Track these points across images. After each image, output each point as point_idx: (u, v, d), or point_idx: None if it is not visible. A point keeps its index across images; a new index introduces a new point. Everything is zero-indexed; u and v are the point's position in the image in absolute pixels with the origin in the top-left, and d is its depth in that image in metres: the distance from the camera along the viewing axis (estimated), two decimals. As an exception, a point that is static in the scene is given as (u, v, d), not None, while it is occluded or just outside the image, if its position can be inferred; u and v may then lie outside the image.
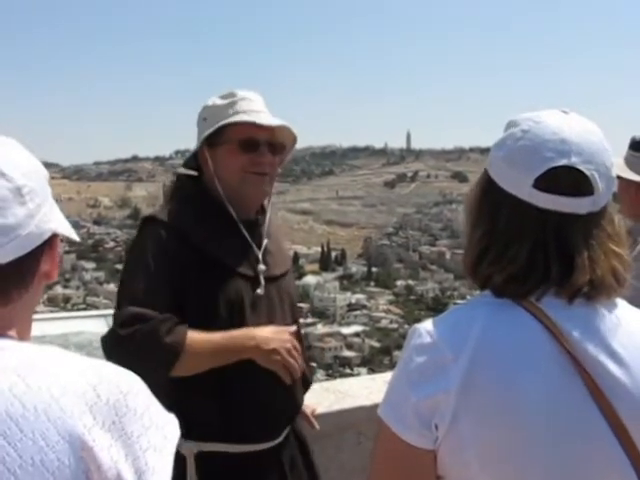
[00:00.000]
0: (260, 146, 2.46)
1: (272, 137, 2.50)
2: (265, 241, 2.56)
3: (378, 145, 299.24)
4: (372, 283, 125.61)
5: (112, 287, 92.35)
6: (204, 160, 2.51)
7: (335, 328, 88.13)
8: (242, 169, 2.45)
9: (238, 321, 2.38)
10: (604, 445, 1.32)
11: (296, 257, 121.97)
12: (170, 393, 2.10)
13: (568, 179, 1.37)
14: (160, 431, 1.16)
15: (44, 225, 1.21)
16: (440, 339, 1.35)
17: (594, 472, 1.33)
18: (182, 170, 2.63)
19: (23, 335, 1.23)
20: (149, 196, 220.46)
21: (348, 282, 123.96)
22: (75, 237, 1.31)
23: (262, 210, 2.64)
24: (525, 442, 1.29)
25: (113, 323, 2.33)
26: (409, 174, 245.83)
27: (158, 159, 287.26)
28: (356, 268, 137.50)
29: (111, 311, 3.65)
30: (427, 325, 1.40)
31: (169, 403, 1.96)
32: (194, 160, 2.57)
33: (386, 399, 1.41)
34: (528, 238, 1.38)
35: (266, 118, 2.47)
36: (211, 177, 2.50)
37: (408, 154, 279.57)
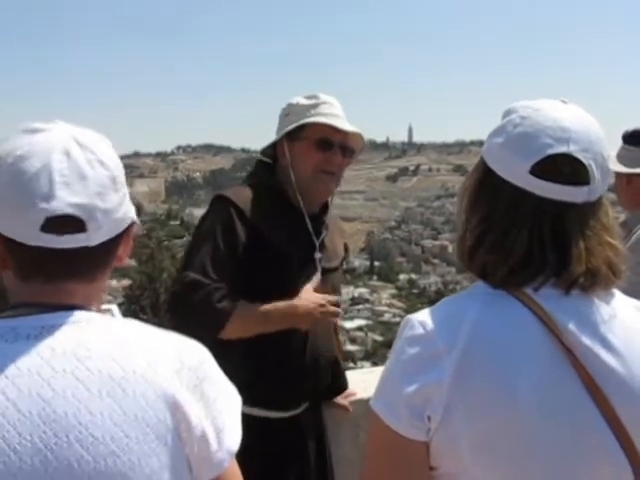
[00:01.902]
0: (334, 147, 2.71)
1: (345, 141, 2.74)
2: (324, 233, 2.80)
3: (380, 139, 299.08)
4: (375, 277, 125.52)
5: (114, 283, 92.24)
6: (282, 151, 2.75)
7: (338, 322, 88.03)
8: (316, 166, 2.70)
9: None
10: (598, 436, 1.31)
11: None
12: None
13: (566, 167, 1.36)
14: (230, 396, 1.31)
15: (128, 212, 1.34)
16: (433, 330, 1.34)
17: (588, 463, 1.32)
18: (260, 157, 2.87)
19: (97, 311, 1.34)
20: (151, 192, 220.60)
21: (351, 276, 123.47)
22: (139, 228, 1.42)
23: (325, 206, 2.89)
24: (518, 434, 1.29)
25: (172, 286, 2.63)
26: (411, 168, 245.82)
27: (160, 155, 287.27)
28: (359, 262, 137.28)
29: (109, 306, 3.66)
30: (420, 316, 1.39)
31: None
32: (272, 150, 2.82)
33: (379, 391, 1.41)
34: (525, 226, 1.36)
35: (342, 123, 2.71)
36: (286, 168, 2.74)
37: (410, 148, 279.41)
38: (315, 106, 2.73)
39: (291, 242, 2.68)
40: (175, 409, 1.19)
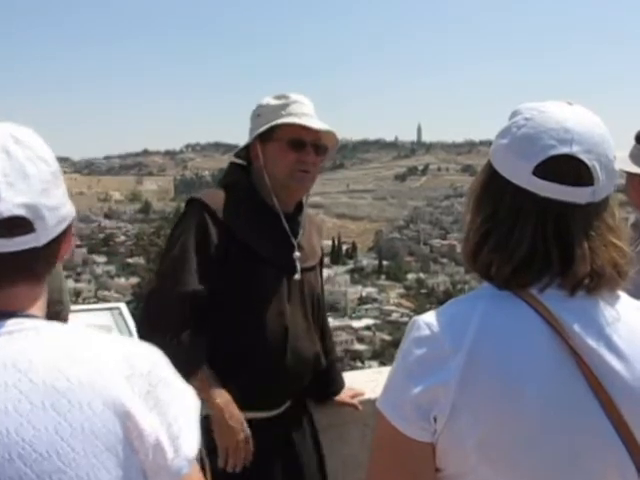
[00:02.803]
0: (306, 146, 2.70)
1: (317, 139, 2.74)
2: (301, 232, 2.80)
3: (389, 138, 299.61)
4: (383, 276, 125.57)
5: (123, 281, 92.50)
6: (255, 153, 2.75)
7: (346, 321, 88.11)
8: (290, 166, 2.69)
9: (275, 307, 2.64)
10: (603, 438, 1.32)
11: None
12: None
13: (568, 168, 1.36)
14: (186, 398, 1.25)
15: (70, 207, 1.30)
16: (439, 331, 1.35)
17: (593, 465, 1.33)
18: (234, 159, 2.87)
19: (43, 315, 1.28)
20: (160, 190, 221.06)
21: (359, 275, 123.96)
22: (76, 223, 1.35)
23: (300, 206, 2.88)
24: (524, 435, 1.30)
25: (147, 297, 2.67)
26: (420, 167, 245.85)
27: (169, 153, 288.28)
28: (367, 261, 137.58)
29: (118, 304, 3.65)
30: (426, 317, 1.40)
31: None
32: (245, 152, 2.81)
33: (385, 391, 1.41)
34: (528, 226, 1.37)
35: (314, 122, 2.71)
36: (260, 169, 2.74)
37: (419, 147, 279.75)
38: (285, 106, 2.73)
39: (267, 243, 2.70)
40: (126, 418, 1.14)
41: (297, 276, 2.71)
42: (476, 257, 1.44)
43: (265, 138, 2.71)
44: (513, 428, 1.29)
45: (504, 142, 1.44)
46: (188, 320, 2.51)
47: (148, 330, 2.52)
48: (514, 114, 1.48)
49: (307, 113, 2.74)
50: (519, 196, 1.38)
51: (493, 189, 1.44)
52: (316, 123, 2.71)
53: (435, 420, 1.33)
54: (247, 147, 2.78)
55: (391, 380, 1.41)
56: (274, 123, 2.68)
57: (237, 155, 2.86)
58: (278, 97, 2.78)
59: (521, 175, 1.38)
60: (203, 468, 2.49)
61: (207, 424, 2.50)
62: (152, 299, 2.61)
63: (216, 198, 2.67)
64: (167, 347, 2.37)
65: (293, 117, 2.69)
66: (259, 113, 2.77)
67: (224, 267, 2.58)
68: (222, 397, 2.49)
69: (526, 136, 1.40)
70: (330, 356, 2.98)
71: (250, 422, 2.56)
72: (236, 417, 2.49)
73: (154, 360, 1.24)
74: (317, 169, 2.80)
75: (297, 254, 2.73)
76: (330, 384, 3.05)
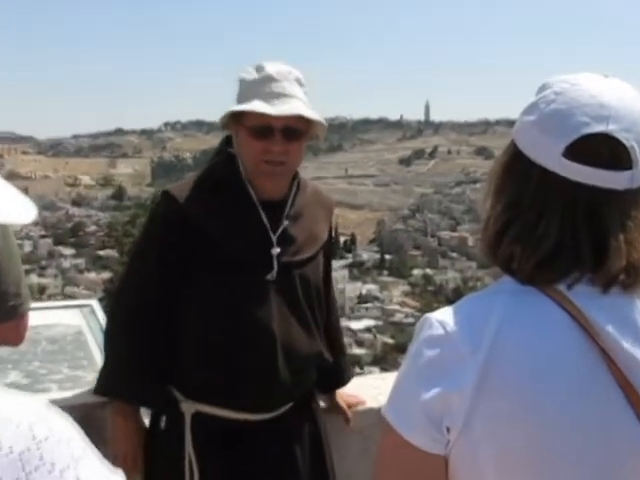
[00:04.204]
0: (274, 134, 2.62)
1: (290, 123, 2.62)
2: (285, 223, 2.74)
3: (393, 117, 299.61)
4: (385, 272, 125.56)
5: (93, 276, 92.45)
6: (234, 135, 2.74)
7: (344, 322, 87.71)
8: (255, 157, 2.65)
9: (243, 310, 2.65)
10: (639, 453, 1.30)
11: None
12: (172, 353, 2.67)
13: (604, 149, 1.33)
14: None
15: None
16: (454, 331, 1.33)
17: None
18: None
19: None
20: (135, 174, 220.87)
21: (358, 271, 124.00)
22: None
23: (295, 188, 2.83)
24: (548, 446, 1.28)
25: (112, 306, 2.82)
26: (427, 150, 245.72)
27: (145, 132, 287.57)
28: (367, 255, 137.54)
29: (89, 301, 3.67)
30: (439, 315, 1.38)
31: (170, 362, 2.68)
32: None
33: (392, 397, 1.40)
34: (556, 214, 1.35)
35: (280, 106, 2.59)
36: (237, 155, 2.73)
37: (426, 127, 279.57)
38: (260, 83, 2.64)
39: (241, 240, 2.69)
40: None
41: (270, 276, 2.68)
42: (496, 248, 1.42)
43: (236, 120, 2.67)
44: (537, 440, 1.28)
45: (530, 119, 1.41)
46: (138, 326, 2.68)
47: (108, 331, 2.79)
48: (542, 88, 1.45)
49: (278, 92, 2.63)
50: (546, 180, 1.36)
51: (517, 172, 1.42)
52: (282, 108, 2.59)
53: (448, 430, 1.32)
54: None
55: (399, 385, 1.40)
56: (234, 109, 2.64)
57: (224, 127, 2.82)
58: (256, 69, 2.71)
59: (549, 156, 1.36)
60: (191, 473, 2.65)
61: (193, 425, 2.65)
62: (112, 301, 2.87)
63: (187, 190, 2.68)
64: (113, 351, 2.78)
65: (255, 103, 2.59)
66: (240, 85, 2.73)
67: (194, 268, 2.64)
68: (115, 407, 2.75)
69: (556, 112, 1.37)
70: (335, 351, 3.02)
71: (244, 424, 2.67)
72: (119, 426, 2.73)
73: (46, 435, 0.97)
74: (294, 157, 2.70)
75: (276, 250, 2.70)
76: (331, 378, 3.09)
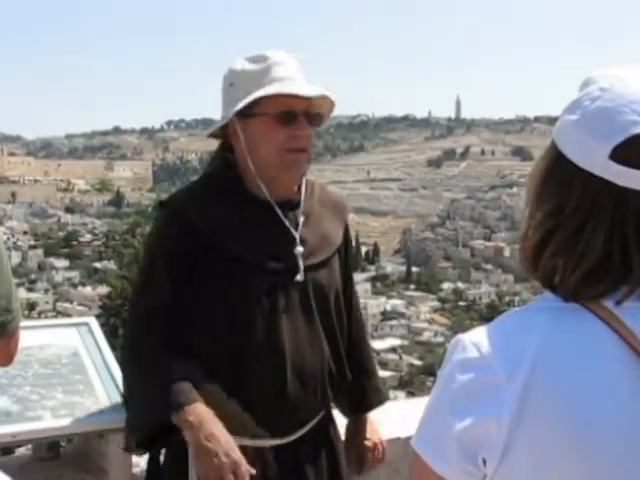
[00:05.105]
0: (298, 118, 2.67)
1: (309, 107, 2.70)
2: (302, 219, 2.79)
3: (420, 114, 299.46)
4: (412, 286, 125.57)
5: (88, 290, 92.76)
6: (234, 133, 2.72)
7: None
8: (280, 145, 2.66)
9: (271, 317, 2.67)
10: None
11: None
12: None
13: None
14: None
15: None
16: (490, 353, 1.34)
17: None
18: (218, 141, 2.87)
19: None
20: (135, 177, 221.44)
21: (382, 285, 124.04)
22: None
23: (303, 188, 2.87)
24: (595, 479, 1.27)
25: (129, 324, 2.84)
26: (459, 150, 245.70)
27: (146, 131, 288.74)
28: (392, 267, 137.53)
29: (86, 319, 3.67)
30: (474, 336, 1.38)
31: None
32: (222, 131, 2.79)
33: (422, 427, 1.40)
34: (602, 223, 1.34)
35: (305, 87, 2.68)
36: (243, 152, 2.71)
37: (457, 125, 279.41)
38: (266, 71, 2.69)
39: (256, 245, 2.71)
40: None
41: (299, 277, 2.71)
42: (536, 261, 1.42)
43: (245, 114, 2.67)
44: (581, 472, 1.27)
45: (573, 118, 1.40)
46: (157, 337, 2.65)
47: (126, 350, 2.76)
48: (586, 83, 1.44)
49: (293, 76, 2.71)
50: (591, 186, 1.35)
51: (558, 177, 1.41)
52: (307, 88, 2.69)
53: (484, 462, 1.31)
54: (224, 126, 2.77)
55: (429, 413, 1.40)
56: (256, 95, 2.64)
57: (212, 136, 2.86)
58: (255, 60, 2.74)
59: (595, 159, 1.35)
60: None
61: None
62: (128, 313, 2.91)
63: (189, 199, 2.74)
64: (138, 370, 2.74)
65: (278, 84, 2.66)
66: (232, 82, 2.75)
67: (205, 283, 2.67)
68: (196, 414, 2.52)
69: (602, 110, 1.36)
70: (361, 367, 3.01)
71: (254, 451, 2.64)
72: (217, 437, 2.50)
73: None
74: (312, 144, 2.78)
75: (300, 249, 2.73)
76: (357, 399, 3.04)
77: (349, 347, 2.92)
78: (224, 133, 2.79)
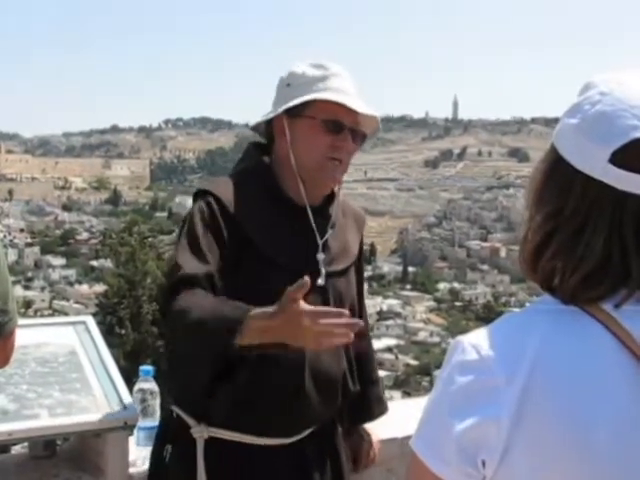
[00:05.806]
0: (344, 130, 2.73)
1: (356, 123, 2.76)
2: (329, 231, 2.83)
3: (417, 114, 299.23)
4: (408, 286, 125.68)
5: (85, 288, 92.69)
6: (281, 129, 2.77)
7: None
8: (322, 151, 2.72)
9: None
10: None
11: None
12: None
13: None
14: None
15: None
16: (489, 356, 1.34)
17: None
18: (254, 138, 2.94)
19: None
20: (132, 176, 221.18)
21: (378, 285, 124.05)
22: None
23: (331, 196, 2.91)
24: None
25: (162, 298, 2.63)
26: (455, 151, 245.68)
27: (144, 130, 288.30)
28: (388, 267, 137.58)
29: (83, 317, 3.66)
30: (473, 338, 1.39)
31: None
32: (266, 127, 2.86)
33: (420, 429, 1.40)
34: (602, 227, 1.35)
35: (356, 102, 2.72)
36: (285, 150, 2.76)
37: (455, 126, 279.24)
38: (324, 78, 2.75)
39: (285, 244, 2.75)
40: None
41: (320, 281, 2.72)
42: (535, 263, 1.43)
43: (295, 113, 2.73)
44: (581, 474, 1.27)
45: (573, 122, 1.41)
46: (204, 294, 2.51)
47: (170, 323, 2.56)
48: (587, 87, 1.45)
49: (348, 91, 2.75)
50: (591, 189, 1.36)
51: (558, 180, 1.42)
52: (359, 104, 2.73)
53: (484, 464, 1.32)
54: (270, 121, 2.82)
55: (428, 414, 1.40)
56: (311, 97, 2.70)
57: (255, 129, 2.92)
58: (316, 66, 2.79)
59: (594, 163, 1.35)
60: None
61: (206, 453, 2.66)
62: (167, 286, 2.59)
63: (227, 190, 2.72)
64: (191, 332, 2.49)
65: (332, 93, 2.71)
66: (289, 82, 2.79)
67: (233, 272, 2.64)
68: (249, 326, 2.34)
69: (602, 114, 1.37)
70: (366, 376, 3.04)
71: (260, 449, 2.69)
72: (283, 323, 2.31)
73: None
74: (350, 159, 2.83)
75: (321, 255, 2.76)
76: (360, 409, 3.07)
77: (356, 356, 2.94)
78: (267, 129, 2.85)
